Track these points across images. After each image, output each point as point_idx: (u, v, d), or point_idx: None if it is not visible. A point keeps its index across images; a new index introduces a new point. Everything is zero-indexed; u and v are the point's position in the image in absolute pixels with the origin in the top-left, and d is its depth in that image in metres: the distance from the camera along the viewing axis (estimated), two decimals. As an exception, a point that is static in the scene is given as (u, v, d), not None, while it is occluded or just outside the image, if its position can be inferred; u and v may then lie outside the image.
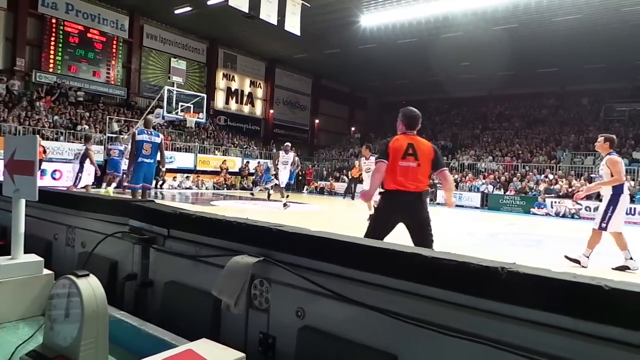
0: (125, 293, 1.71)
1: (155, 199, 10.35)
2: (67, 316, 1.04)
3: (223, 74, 25.60)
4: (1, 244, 2.08)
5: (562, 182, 16.77)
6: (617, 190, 5.48)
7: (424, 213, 3.49)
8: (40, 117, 16.38)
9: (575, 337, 0.80)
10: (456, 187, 17.52)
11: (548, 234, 10.10)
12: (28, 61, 18.04)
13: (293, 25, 15.14)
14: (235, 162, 22.05)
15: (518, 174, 18.81)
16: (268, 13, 14.44)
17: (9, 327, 1.34)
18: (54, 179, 14.75)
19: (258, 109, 28.05)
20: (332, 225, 8.19)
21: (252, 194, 17.29)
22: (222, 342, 1.06)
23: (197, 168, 20.27)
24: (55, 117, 17.05)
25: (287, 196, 12.06)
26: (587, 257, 5.55)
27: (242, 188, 20.90)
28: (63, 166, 15.14)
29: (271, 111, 28.41)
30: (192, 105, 17.38)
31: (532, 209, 15.84)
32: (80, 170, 10.35)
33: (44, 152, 13.14)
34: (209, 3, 17.61)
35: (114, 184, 12.23)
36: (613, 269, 5.46)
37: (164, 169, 8.74)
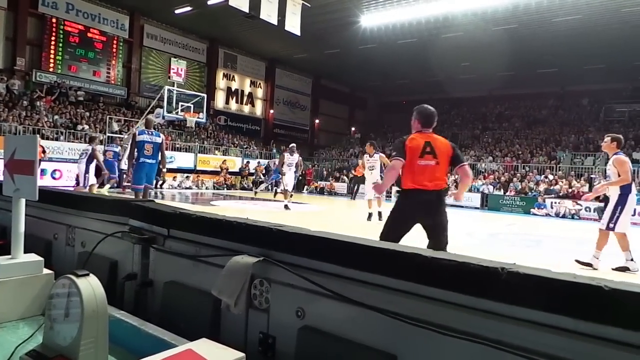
0: (125, 293, 1.71)
1: (155, 198, 10.36)
2: (67, 316, 1.04)
3: (223, 73, 25.60)
4: (1, 243, 2.08)
5: (562, 182, 16.78)
6: (625, 190, 5.44)
7: (443, 215, 3.43)
8: (41, 117, 16.39)
9: (575, 337, 0.80)
10: (456, 187, 17.51)
11: (548, 234, 10.10)
12: (28, 61, 18.04)
13: (293, 25, 15.15)
14: (235, 162, 22.05)
15: (518, 175, 18.82)
16: (268, 13, 14.45)
17: (8, 327, 1.34)
18: (54, 178, 14.75)
19: (258, 109, 28.06)
20: (332, 225, 8.20)
21: (255, 192, 17.33)
22: (222, 342, 1.06)
23: (197, 168, 20.28)
24: (56, 117, 17.05)
25: (291, 195, 12.07)
26: (598, 258, 5.53)
27: (242, 188, 20.91)
28: (63, 166, 15.15)
29: (271, 111, 28.41)
30: (192, 105, 17.38)
31: (532, 210, 15.85)
32: (87, 171, 10.39)
33: (43, 152, 13.15)
34: (209, 3, 17.61)
35: (108, 185, 12.26)
36: (613, 269, 5.45)
37: (164, 169, 8.73)
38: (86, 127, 17.35)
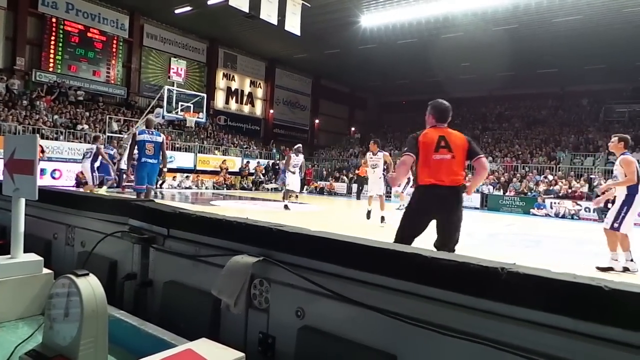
0: (124, 292, 1.71)
1: (155, 198, 10.36)
2: (66, 315, 1.04)
3: (223, 73, 25.60)
4: (1, 243, 2.08)
5: (562, 182, 16.78)
6: (632, 191, 5.39)
7: (457, 214, 3.36)
8: (40, 117, 16.38)
9: (575, 337, 0.80)
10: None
11: (547, 234, 10.10)
12: (28, 60, 18.04)
13: (293, 25, 15.15)
14: (235, 162, 22.05)
15: (518, 175, 18.83)
16: (268, 13, 14.45)
17: (8, 327, 1.34)
18: (53, 178, 14.74)
19: (258, 109, 28.05)
20: (332, 225, 8.20)
21: (296, 196, 17.28)
22: (222, 341, 1.06)
23: (197, 168, 20.27)
24: (55, 117, 17.04)
25: (297, 197, 11.98)
26: (617, 260, 5.48)
27: (242, 188, 20.90)
28: (63, 165, 15.14)
29: (271, 111, 28.41)
30: (192, 105, 17.36)
31: (531, 210, 15.85)
32: (93, 169, 10.41)
33: (42, 151, 13.14)
34: (209, 3, 17.60)
35: (105, 187, 12.25)
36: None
37: (165, 169, 8.71)
38: (86, 127, 17.35)
